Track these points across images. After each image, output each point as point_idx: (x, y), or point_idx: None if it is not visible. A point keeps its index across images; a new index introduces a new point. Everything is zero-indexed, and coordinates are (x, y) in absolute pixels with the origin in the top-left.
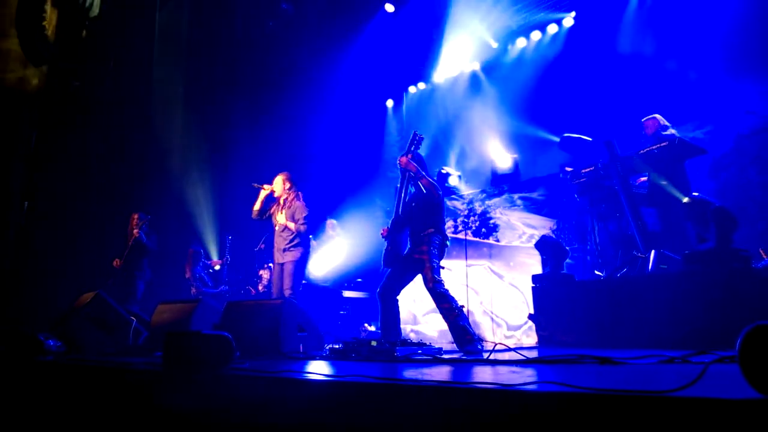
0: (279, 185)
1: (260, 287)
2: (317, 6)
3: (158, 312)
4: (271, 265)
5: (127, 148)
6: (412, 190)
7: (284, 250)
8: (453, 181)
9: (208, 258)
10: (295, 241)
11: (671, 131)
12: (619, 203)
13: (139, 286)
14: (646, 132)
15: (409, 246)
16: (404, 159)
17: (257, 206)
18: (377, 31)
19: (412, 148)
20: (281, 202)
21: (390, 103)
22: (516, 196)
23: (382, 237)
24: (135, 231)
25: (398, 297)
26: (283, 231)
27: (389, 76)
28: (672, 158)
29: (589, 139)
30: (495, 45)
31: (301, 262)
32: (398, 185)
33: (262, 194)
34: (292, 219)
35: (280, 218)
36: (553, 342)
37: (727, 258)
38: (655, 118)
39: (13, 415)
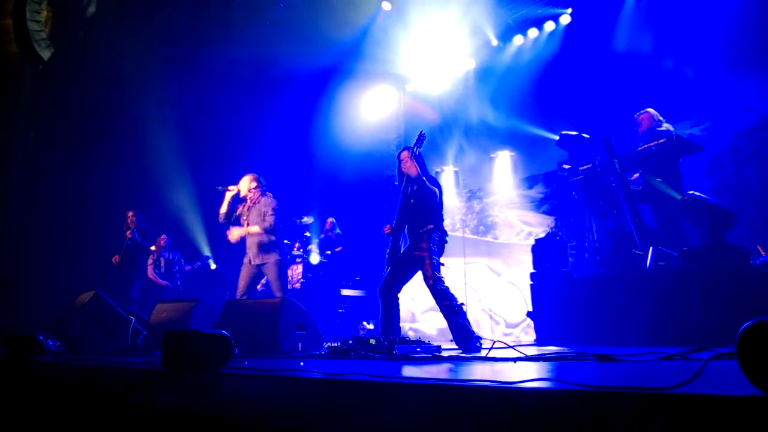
0: (245, 186)
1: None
2: (313, 4)
3: (157, 311)
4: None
5: (124, 147)
6: (413, 187)
7: (261, 252)
8: (450, 178)
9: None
10: (272, 242)
11: (666, 126)
12: (617, 200)
13: (134, 285)
14: (640, 128)
15: (408, 243)
16: (406, 154)
17: (223, 209)
18: (375, 28)
19: (416, 146)
20: (248, 202)
21: (388, 101)
22: (514, 193)
23: (386, 234)
24: (128, 232)
25: (399, 295)
26: (257, 233)
27: (387, 74)
28: (669, 155)
29: (587, 136)
30: (495, 42)
31: (282, 263)
32: (397, 183)
33: (228, 196)
34: (262, 217)
35: (253, 229)
36: (551, 339)
37: (726, 255)
38: (648, 112)
39: (12, 415)
